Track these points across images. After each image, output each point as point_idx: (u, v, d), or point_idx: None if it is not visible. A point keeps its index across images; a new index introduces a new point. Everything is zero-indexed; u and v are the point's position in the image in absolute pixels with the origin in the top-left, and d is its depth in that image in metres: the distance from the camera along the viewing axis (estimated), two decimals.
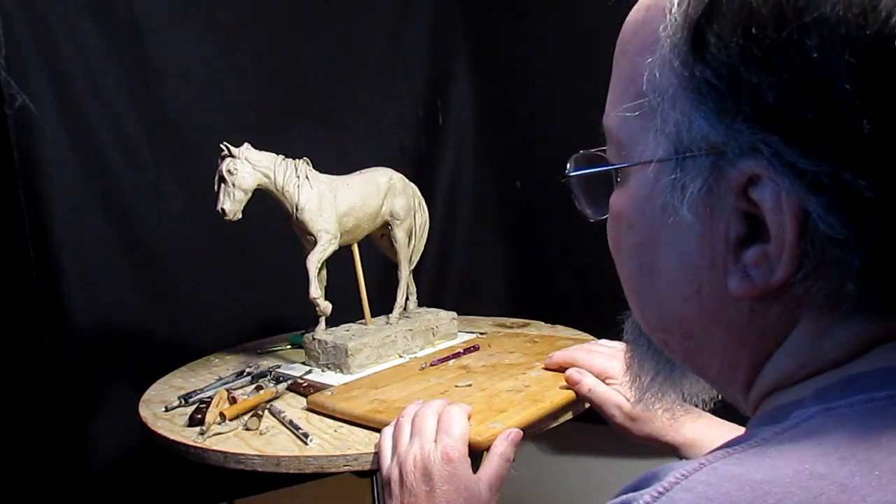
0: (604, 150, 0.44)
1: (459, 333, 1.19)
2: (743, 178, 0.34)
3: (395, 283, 1.18)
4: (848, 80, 0.30)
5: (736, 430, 0.75)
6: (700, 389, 0.49)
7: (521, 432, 0.74)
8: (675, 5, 0.35)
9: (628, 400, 0.80)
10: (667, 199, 0.37)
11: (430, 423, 0.72)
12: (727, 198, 0.35)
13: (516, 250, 1.67)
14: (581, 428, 0.95)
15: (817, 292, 0.34)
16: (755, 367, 0.39)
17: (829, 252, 0.33)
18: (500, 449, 0.72)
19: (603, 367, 0.86)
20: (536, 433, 0.82)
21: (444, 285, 1.66)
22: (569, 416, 0.86)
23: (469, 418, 0.75)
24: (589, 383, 0.85)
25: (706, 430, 0.79)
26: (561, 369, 0.90)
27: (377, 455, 0.74)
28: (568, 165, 0.47)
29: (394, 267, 1.20)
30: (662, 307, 0.41)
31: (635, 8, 0.40)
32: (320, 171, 1.07)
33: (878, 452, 0.29)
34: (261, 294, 1.42)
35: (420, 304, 1.23)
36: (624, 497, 0.31)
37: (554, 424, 0.84)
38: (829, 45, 0.30)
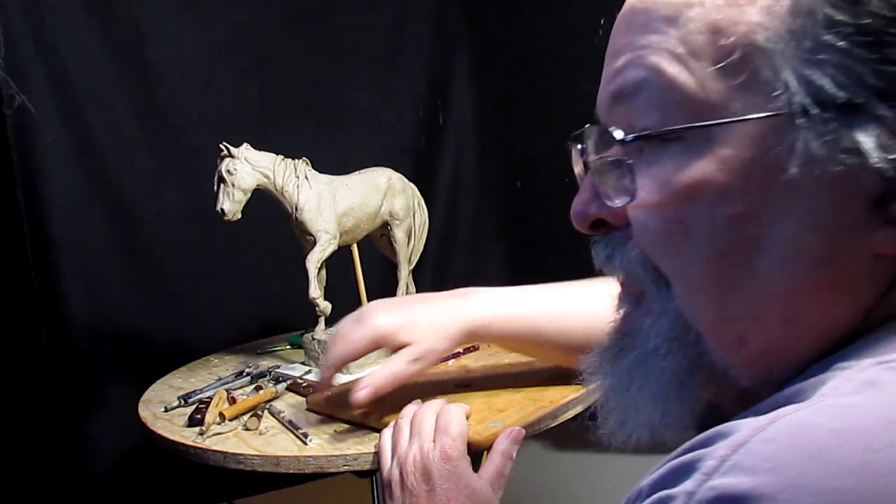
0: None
1: None
2: (881, 128, 0.32)
3: (395, 283, 1.18)
4: None
5: None
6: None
7: (523, 430, 0.74)
8: None
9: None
10: (791, 156, 0.33)
11: (428, 423, 0.72)
12: (862, 150, 0.32)
13: (517, 250, 1.67)
14: (582, 426, 0.95)
15: None
16: (853, 334, 0.35)
17: None
18: (503, 447, 0.72)
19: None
20: (536, 433, 0.82)
21: (444, 285, 1.65)
22: (569, 415, 0.86)
23: (467, 418, 0.75)
24: (376, 380, 0.75)
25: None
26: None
27: (377, 457, 0.74)
28: (579, 146, 0.42)
29: (393, 267, 1.20)
30: (763, 288, 0.36)
31: None
32: (320, 171, 1.07)
33: None
34: (260, 294, 1.42)
35: None
36: (688, 457, 0.30)
37: (554, 424, 0.84)
38: None
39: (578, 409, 0.88)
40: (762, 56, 0.34)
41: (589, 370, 0.45)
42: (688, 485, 0.28)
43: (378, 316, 0.75)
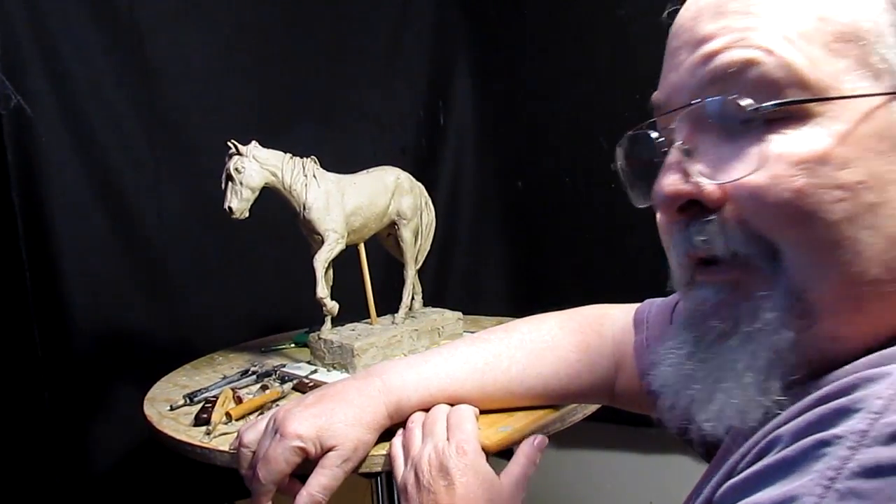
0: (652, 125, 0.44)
1: (465, 334, 1.19)
2: None
3: (401, 282, 1.18)
4: None
5: None
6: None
7: (547, 439, 0.74)
8: None
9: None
10: (894, 132, 0.38)
11: (440, 425, 0.72)
12: None
13: (518, 250, 1.67)
14: (588, 426, 0.95)
15: None
16: None
17: None
18: (528, 450, 0.72)
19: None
20: (545, 435, 0.82)
21: (446, 285, 1.66)
22: (577, 418, 0.86)
23: (476, 419, 0.75)
24: (313, 492, 0.69)
25: None
26: None
27: (390, 464, 0.73)
28: (617, 154, 0.45)
29: (399, 266, 1.19)
30: (881, 254, 0.38)
31: None
32: (325, 171, 1.07)
33: None
34: (263, 292, 1.42)
35: (423, 305, 1.23)
36: (844, 400, 0.31)
37: (563, 427, 0.84)
38: None
39: (587, 412, 0.88)
40: (868, 42, 0.38)
41: (669, 369, 0.45)
42: (855, 425, 0.30)
43: (295, 425, 0.70)
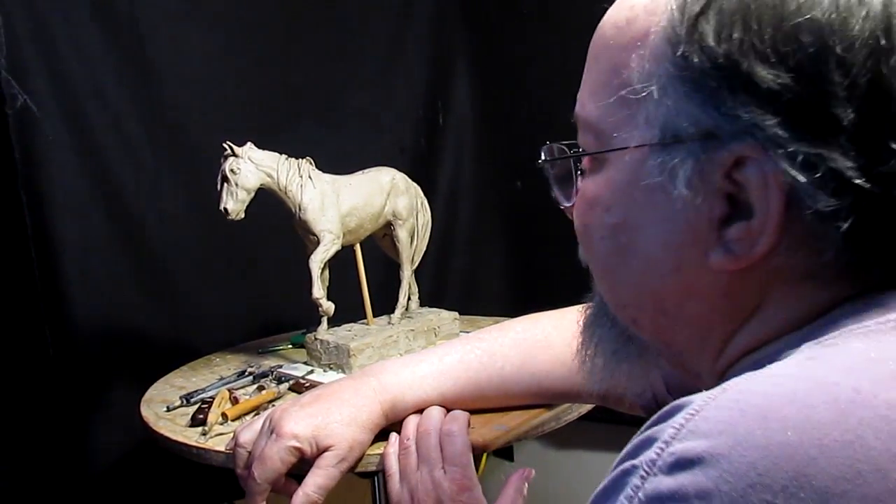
0: (570, 144, 0.47)
1: (461, 334, 1.19)
2: (731, 159, 0.37)
3: (397, 283, 1.18)
4: (836, 73, 0.34)
5: None
6: (643, 372, 0.52)
7: (533, 471, 0.75)
8: (673, 1, 0.38)
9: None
10: (654, 183, 0.40)
11: (434, 451, 0.71)
12: (713, 179, 0.38)
13: (517, 250, 1.67)
14: (583, 426, 0.95)
15: (795, 264, 0.38)
16: (727, 335, 0.42)
17: (810, 228, 0.37)
18: (516, 484, 0.73)
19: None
20: (539, 434, 0.82)
21: (445, 285, 1.66)
22: (572, 416, 0.86)
23: (469, 423, 0.75)
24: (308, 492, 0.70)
25: None
26: None
27: (384, 475, 0.74)
28: (542, 154, 0.50)
29: (396, 267, 1.20)
30: (637, 286, 0.44)
31: (616, 6, 0.43)
32: (320, 171, 1.07)
33: (873, 364, 0.33)
34: (261, 293, 1.42)
35: (420, 305, 1.23)
36: (650, 431, 0.33)
37: (558, 426, 0.84)
38: (821, 42, 0.35)
39: (582, 410, 0.88)
40: (651, 92, 0.39)
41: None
42: (650, 454, 0.31)
43: (291, 424, 0.70)
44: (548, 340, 0.78)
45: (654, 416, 0.34)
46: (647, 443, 0.32)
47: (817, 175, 0.35)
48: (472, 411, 0.78)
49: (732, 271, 0.39)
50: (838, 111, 0.34)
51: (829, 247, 0.37)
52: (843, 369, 0.33)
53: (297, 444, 0.69)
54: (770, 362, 0.36)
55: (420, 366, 0.77)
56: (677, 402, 0.33)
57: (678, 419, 0.32)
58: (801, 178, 0.35)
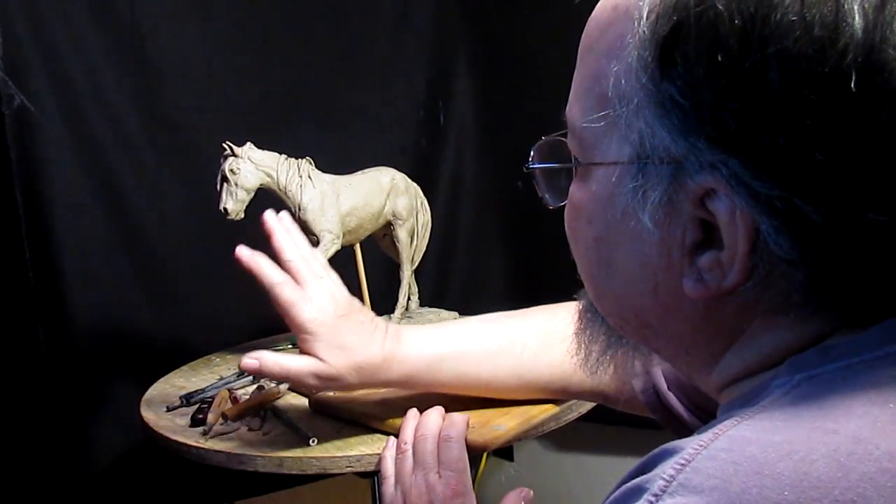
0: (564, 135, 0.45)
1: None
2: (700, 190, 0.35)
3: (397, 283, 1.18)
4: (805, 112, 0.31)
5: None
6: (643, 369, 0.53)
7: (532, 493, 0.75)
8: (644, 17, 0.35)
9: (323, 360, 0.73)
10: (628, 203, 0.38)
11: (430, 456, 0.72)
12: (685, 205, 0.36)
13: (517, 250, 1.67)
14: (583, 426, 0.95)
15: (768, 300, 0.36)
16: (712, 355, 0.41)
17: (776, 267, 0.35)
18: (513, 499, 0.73)
19: (291, 299, 0.80)
20: (539, 434, 0.82)
21: (446, 285, 1.66)
22: (572, 416, 0.86)
23: (468, 425, 0.76)
24: (268, 361, 0.74)
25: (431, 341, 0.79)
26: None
27: (379, 476, 0.75)
28: (531, 155, 0.49)
29: (396, 267, 1.19)
30: (619, 298, 0.43)
31: (601, 6, 0.41)
32: (320, 171, 1.07)
33: (873, 407, 0.31)
34: (261, 293, 1.42)
35: (421, 305, 1.23)
36: (638, 480, 0.32)
37: (557, 426, 0.84)
38: (790, 78, 0.31)
39: (582, 410, 0.88)
40: (626, 110, 0.37)
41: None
42: None
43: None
44: (563, 333, 0.78)
45: (642, 461, 0.33)
46: (636, 493, 0.31)
47: (781, 217, 0.33)
48: (473, 404, 0.78)
49: (708, 299, 0.38)
50: (806, 152, 0.32)
51: (794, 289, 0.35)
52: (841, 412, 0.31)
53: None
54: (761, 395, 0.35)
55: (441, 329, 0.82)
56: (666, 446, 0.32)
57: (668, 469, 0.30)
58: (765, 220, 0.34)
